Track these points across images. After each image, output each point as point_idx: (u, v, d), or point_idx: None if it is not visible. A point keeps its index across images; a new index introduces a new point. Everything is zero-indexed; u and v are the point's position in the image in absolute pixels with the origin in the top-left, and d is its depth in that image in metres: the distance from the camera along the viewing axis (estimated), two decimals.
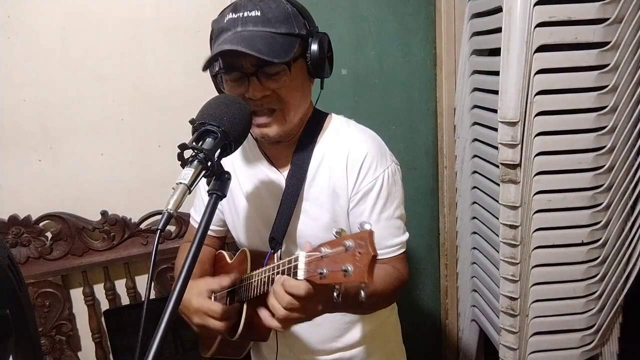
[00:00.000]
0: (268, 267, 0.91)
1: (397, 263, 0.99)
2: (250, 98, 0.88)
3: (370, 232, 0.65)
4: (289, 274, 0.76)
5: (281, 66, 0.86)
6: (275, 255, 0.99)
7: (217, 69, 0.92)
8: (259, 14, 0.85)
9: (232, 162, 1.06)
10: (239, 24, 0.86)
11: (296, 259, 0.74)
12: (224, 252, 1.15)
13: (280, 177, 1.00)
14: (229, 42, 0.82)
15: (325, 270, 0.68)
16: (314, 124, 1.00)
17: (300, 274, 0.72)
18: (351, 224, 0.99)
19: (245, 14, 0.85)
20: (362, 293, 0.66)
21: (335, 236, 0.69)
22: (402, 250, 1.00)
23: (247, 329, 0.96)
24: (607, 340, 1.52)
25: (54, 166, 1.55)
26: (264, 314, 0.80)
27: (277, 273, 0.81)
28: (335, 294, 0.68)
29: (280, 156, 1.02)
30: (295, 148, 0.99)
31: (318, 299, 0.74)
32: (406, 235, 1.01)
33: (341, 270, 0.65)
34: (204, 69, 0.87)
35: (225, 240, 1.24)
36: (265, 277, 0.89)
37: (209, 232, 1.18)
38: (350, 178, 0.96)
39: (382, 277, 0.92)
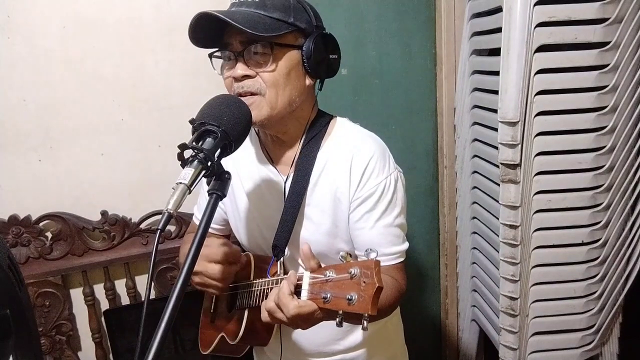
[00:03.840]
0: (271, 279, 0.91)
1: (396, 272, 0.97)
2: (234, 77, 0.88)
3: (377, 262, 0.65)
4: (292, 293, 0.76)
5: (265, 47, 0.86)
6: (278, 263, 0.99)
7: (211, 51, 0.93)
8: None
9: (234, 162, 1.05)
10: (235, 5, 0.89)
11: (300, 278, 0.74)
12: None
13: (282, 179, 1.00)
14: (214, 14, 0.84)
15: (329, 295, 0.68)
16: (318, 126, 0.99)
17: (304, 294, 0.72)
18: (350, 228, 0.98)
19: None
20: (365, 323, 0.65)
21: (341, 260, 0.68)
22: (401, 259, 0.98)
23: (248, 333, 0.96)
24: (607, 340, 1.51)
25: (54, 166, 1.55)
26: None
27: None
28: (338, 319, 0.68)
29: (284, 158, 1.01)
30: (300, 151, 0.98)
31: (313, 319, 0.74)
32: (405, 245, 0.99)
33: (345, 298, 0.65)
34: (190, 38, 0.87)
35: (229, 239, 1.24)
36: (268, 288, 0.89)
37: (212, 231, 1.18)
38: (353, 182, 0.95)
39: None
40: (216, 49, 0.92)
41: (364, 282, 0.64)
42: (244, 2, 0.88)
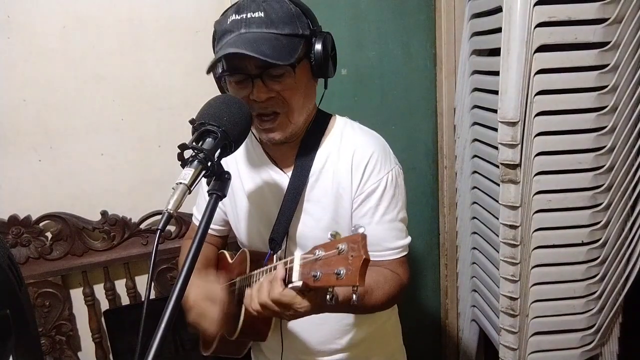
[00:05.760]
0: (266, 267, 0.91)
1: (398, 266, 0.98)
2: (255, 100, 0.87)
3: (363, 236, 0.65)
4: (285, 276, 0.76)
5: (285, 68, 0.85)
6: (275, 256, 0.99)
7: (220, 72, 0.92)
8: (262, 15, 0.85)
9: (235, 162, 1.06)
10: (242, 26, 0.85)
11: (291, 261, 0.75)
12: (226, 252, 1.16)
13: (283, 177, 1.00)
14: (233, 45, 0.82)
15: (318, 273, 0.68)
16: (318, 125, 1.00)
17: (296, 276, 0.73)
18: (353, 225, 0.98)
19: (249, 15, 0.85)
20: (354, 296, 0.66)
21: (330, 239, 0.69)
22: (404, 253, 1.00)
23: (246, 328, 0.96)
24: (607, 340, 1.52)
25: (54, 166, 1.55)
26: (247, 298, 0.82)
27: None
28: (328, 297, 0.68)
29: (284, 157, 1.02)
30: (299, 149, 0.99)
31: (298, 307, 0.75)
32: (408, 239, 1.00)
33: (334, 273, 0.65)
34: (208, 71, 0.87)
35: (228, 240, 1.24)
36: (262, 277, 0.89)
37: (212, 232, 1.19)
38: (355, 178, 0.96)
39: (381, 283, 0.93)
40: (227, 72, 0.90)
41: (352, 255, 0.65)
42: (252, 21, 0.85)
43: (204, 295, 0.93)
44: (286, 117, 0.91)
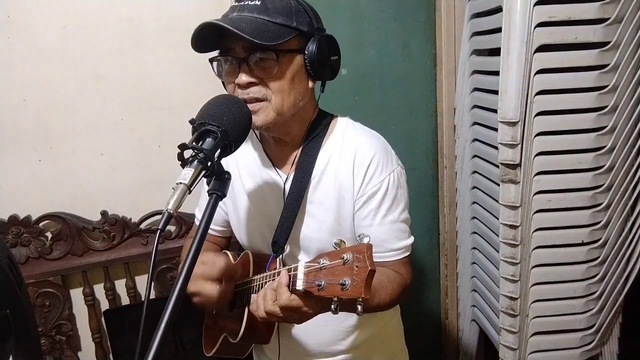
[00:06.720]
0: (269, 272, 0.91)
1: (401, 267, 0.98)
2: (238, 84, 0.87)
3: (368, 246, 0.65)
4: (289, 283, 0.76)
5: (269, 54, 0.85)
6: (278, 259, 0.99)
7: (216, 56, 0.92)
8: (258, 3, 0.86)
9: (236, 163, 1.05)
10: (236, 10, 0.88)
11: (295, 269, 0.75)
12: (229, 253, 1.15)
13: (284, 179, 1.00)
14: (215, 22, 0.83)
15: (323, 282, 0.68)
16: (319, 126, 1.00)
17: (299, 284, 0.72)
18: (356, 226, 0.98)
19: (246, 2, 0.87)
20: (359, 307, 0.66)
21: (335, 247, 0.69)
22: (406, 254, 1.00)
23: (248, 331, 0.96)
24: (607, 340, 1.51)
25: (54, 166, 1.55)
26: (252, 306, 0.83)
27: None
28: (333, 307, 0.68)
29: (285, 158, 1.01)
30: (300, 151, 0.99)
31: (306, 310, 0.76)
32: (411, 239, 1.00)
33: (339, 284, 0.65)
34: (193, 46, 0.87)
35: (231, 240, 1.24)
36: (266, 283, 0.89)
37: (214, 232, 1.19)
38: (357, 180, 0.95)
39: (384, 283, 0.93)
40: (217, 55, 0.91)
41: (357, 266, 0.64)
42: (246, 7, 0.87)
43: (203, 275, 0.94)
44: (269, 104, 0.88)
